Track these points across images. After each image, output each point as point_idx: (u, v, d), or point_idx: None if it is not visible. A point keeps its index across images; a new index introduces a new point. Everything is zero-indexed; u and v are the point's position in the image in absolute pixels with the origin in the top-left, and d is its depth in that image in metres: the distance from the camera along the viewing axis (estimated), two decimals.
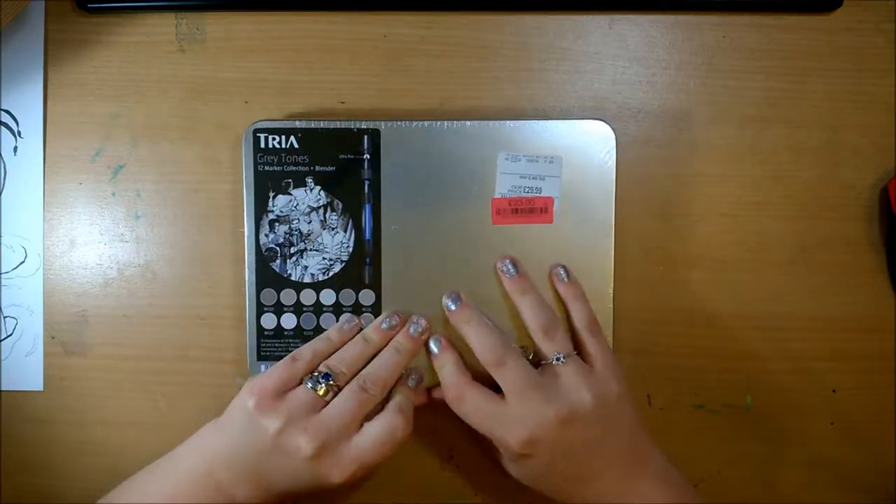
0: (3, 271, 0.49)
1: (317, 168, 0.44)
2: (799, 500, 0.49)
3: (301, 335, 0.45)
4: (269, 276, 0.45)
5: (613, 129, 0.45)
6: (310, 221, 0.45)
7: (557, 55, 0.48)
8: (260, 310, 0.45)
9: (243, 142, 0.44)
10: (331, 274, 0.45)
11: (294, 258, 0.45)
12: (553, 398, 0.40)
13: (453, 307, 0.44)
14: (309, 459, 0.39)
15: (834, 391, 0.49)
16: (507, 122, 0.44)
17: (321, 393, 0.41)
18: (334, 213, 0.45)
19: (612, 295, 0.45)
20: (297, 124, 0.44)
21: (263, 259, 0.45)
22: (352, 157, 0.44)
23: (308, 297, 0.45)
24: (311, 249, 0.45)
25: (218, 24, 0.48)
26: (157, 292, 0.48)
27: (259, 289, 0.45)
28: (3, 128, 0.48)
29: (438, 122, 0.44)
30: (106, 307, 0.48)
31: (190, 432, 0.42)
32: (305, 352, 0.43)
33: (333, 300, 0.45)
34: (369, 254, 0.45)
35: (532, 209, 0.45)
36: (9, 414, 0.49)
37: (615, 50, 0.48)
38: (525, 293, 0.44)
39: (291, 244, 0.45)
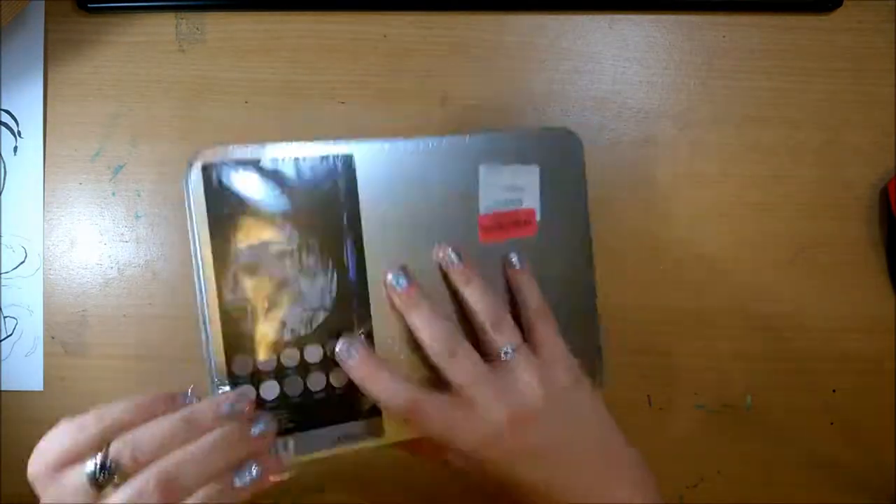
0: (3, 271, 0.49)
1: (285, 204, 0.37)
2: (799, 500, 0.49)
3: (287, 404, 0.37)
4: (239, 340, 0.36)
5: (581, 139, 0.43)
6: (282, 268, 0.37)
7: (557, 55, 0.48)
8: (234, 382, 0.36)
9: (187, 184, 0.34)
10: (314, 326, 0.38)
11: (268, 314, 0.37)
12: (505, 395, 0.37)
13: (400, 287, 0.38)
14: None
15: (834, 391, 0.48)
16: (481, 134, 0.41)
17: (95, 489, 0.31)
18: (310, 255, 0.37)
19: (596, 304, 0.43)
20: (255, 153, 0.36)
21: (231, 321, 0.36)
22: (324, 187, 0.37)
23: (291, 357, 0.37)
24: (287, 301, 0.37)
25: (218, 24, 0.48)
26: (157, 292, 0.48)
27: (229, 358, 0.36)
28: (3, 128, 0.48)
29: (413, 141, 0.40)
30: (106, 307, 0.48)
31: None
32: (92, 420, 0.33)
33: (321, 356, 0.38)
34: (356, 295, 0.38)
35: (516, 222, 0.43)
36: (9, 414, 0.49)
37: (615, 50, 0.48)
38: (470, 282, 0.39)
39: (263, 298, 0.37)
